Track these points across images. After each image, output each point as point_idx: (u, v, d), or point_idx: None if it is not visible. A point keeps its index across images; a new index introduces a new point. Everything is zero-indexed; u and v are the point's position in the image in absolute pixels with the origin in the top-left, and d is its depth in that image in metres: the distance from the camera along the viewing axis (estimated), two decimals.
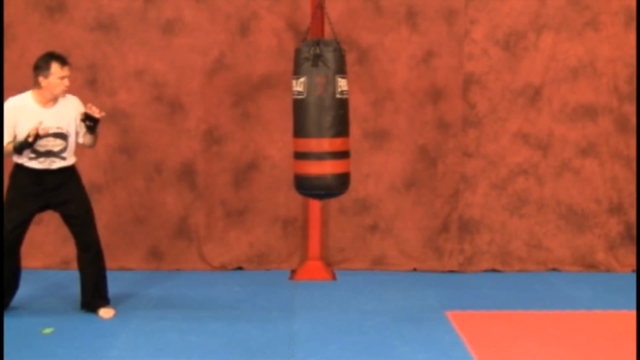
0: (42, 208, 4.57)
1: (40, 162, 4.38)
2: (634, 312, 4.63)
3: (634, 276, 5.68)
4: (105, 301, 4.68)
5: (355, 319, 4.65)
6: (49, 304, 4.90)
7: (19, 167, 4.42)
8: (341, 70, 4.50)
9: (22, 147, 4.29)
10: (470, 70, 5.79)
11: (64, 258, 5.75)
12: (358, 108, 5.77)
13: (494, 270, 5.90)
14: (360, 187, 5.85)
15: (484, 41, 5.78)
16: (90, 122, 4.45)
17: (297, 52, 4.49)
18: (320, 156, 4.47)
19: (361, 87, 5.76)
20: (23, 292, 5.11)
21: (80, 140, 4.58)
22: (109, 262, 5.79)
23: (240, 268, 5.88)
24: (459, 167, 5.87)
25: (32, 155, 4.37)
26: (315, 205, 5.59)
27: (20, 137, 4.32)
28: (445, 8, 5.74)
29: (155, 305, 4.88)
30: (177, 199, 5.85)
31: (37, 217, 5.78)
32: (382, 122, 5.84)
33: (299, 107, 4.48)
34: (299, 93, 4.44)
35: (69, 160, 4.50)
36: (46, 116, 4.34)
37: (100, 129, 5.74)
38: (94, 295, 4.65)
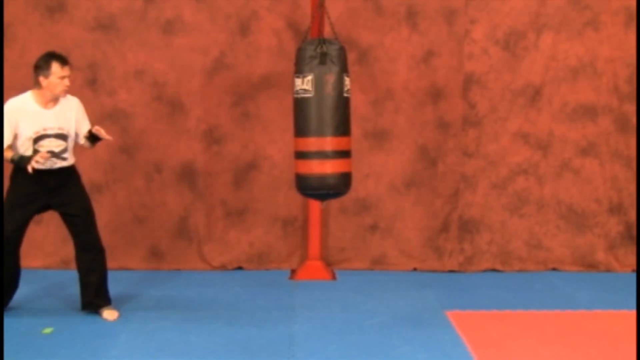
0: (43, 208, 4.57)
1: (42, 163, 4.38)
2: (634, 312, 4.63)
3: (634, 276, 5.69)
4: (107, 302, 4.67)
5: (355, 319, 4.65)
6: (49, 304, 4.90)
7: (19, 168, 4.42)
8: (346, 69, 4.52)
9: (19, 163, 4.29)
10: (470, 70, 5.79)
11: (64, 258, 5.75)
12: (358, 108, 5.76)
13: (494, 270, 5.90)
14: (360, 187, 5.85)
15: (484, 41, 5.78)
16: (95, 140, 4.52)
17: (301, 50, 4.47)
18: (333, 155, 4.47)
19: (361, 86, 5.76)
20: (23, 292, 5.11)
21: (81, 142, 4.58)
22: (109, 262, 5.81)
23: (240, 268, 5.88)
24: (459, 167, 5.87)
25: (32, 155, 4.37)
26: (315, 205, 5.59)
27: (22, 137, 4.32)
28: (445, 8, 5.74)
29: (155, 305, 4.87)
30: (177, 199, 5.85)
31: (37, 217, 5.78)
32: (382, 122, 5.84)
33: (305, 105, 4.46)
34: (305, 91, 4.42)
35: (70, 160, 4.50)
36: (47, 117, 4.35)
37: (102, 128, 5.78)
38: (96, 295, 4.64)
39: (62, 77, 4.32)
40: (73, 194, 4.55)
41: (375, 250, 5.92)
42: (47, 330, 4.36)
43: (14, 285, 4.62)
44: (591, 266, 5.93)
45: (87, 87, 5.69)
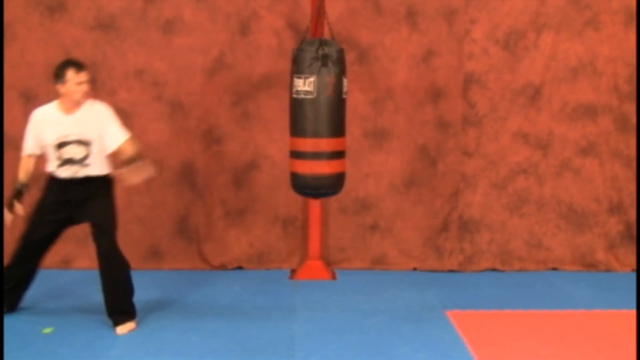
0: (68, 220, 4.50)
1: (66, 170, 4.39)
2: (634, 312, 4.64)
3: (633, 275, 5.69)
4: (120, 317, 4.42)
5: (355, 318, 4.65)
6: (49, 304, 4.89)
7: (50, 176, 4.46)
8: (345, 71, 4.52)
9: (12, 194, 4.45)
10: (470, 70, 5.79)
11: (64, 258, 5.76)
12: (358, 108, 5.77)
13: (493, 270, 5.89)
14: (360, 187, 5.85)
15: (484, 40, 5.78)
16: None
17: (302, 51, 4.47)
18: (330, 156, 4.50)
19: (361, 86, 5.76)
20: None
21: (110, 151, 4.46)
22: None
23: (240, 268, 5.88)
24: (459, 166, 5.87)
25: (57, 163, 4.39)
26: (315, 204, 5.59)
27: (46, 145, 4.38)
28: (445, 7, 5.74)
29: (155, 305, 4.87)
30: (177, 199, 5.85)
31: None
32: (382, 122, 5.84)
33: (305, 106, 4.46)
34: (307, 93, 4.42)
35: (95, 169, 4.41)
36: (67, 124, 4.35)
37: None
38: (112, 308, 4.44)
39: (79, 83, 4.32)
40: (97, 206, 4.44)
41: (375, 250, 5.92)
42: (47, 330, 4.36)
43: (23, 286, 4.62)
44: (591, 266, 5.93)
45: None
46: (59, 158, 4.37)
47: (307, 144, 4.52)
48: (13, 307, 4.61)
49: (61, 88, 4.34)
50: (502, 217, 5.92)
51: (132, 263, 5.76)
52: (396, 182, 5.89)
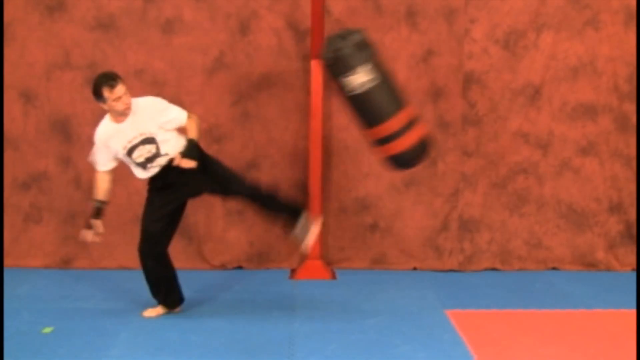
0: (183, 200, 4.60)
1: (151, 168, 4.45)
2: (634, 311, 4.64)
3: (633, 275, 5.69)
4: (294, 210, 4.64)
5: (355, 318, 4.65)
6: (49, 304, 4.90)
7: (146, 183, 4.57)
8: (374, 47, 4.55)
9: (92, 210, 4.57)
10: (470, 69, 5.79)
11: (64, 257, 5.76)
12: None
13: (493, 269, 5.90)
14: (360, 186, 5.85)
15: (484, 40, 5.78)
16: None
17: (339, 51, 4.37)
18: (413, 123, 4.52)
19: None
20: (23, 291, 5.13)
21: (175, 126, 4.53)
22: (109, 262, 5.83)
23: (240, 267, 5.88)
24: (459, 166, 5.87)
25: (140, 167, 4.46)
26: (315, 204, 5.59)
27: (119, 156, 4.47)
28: (445, 7, 5.74)
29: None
30: None
31: (37, 217, 5.82)
32: None
33: (376, 93, 4.41)
34: (370, 81, 4.36)
35: (174, 149, 4.44)
36: (125, 130, 4.39)
37: None
38: (286, 208, 4.66)
39: (117, 99, 4.31)
40: (202, 173, 4.50)
41: (375, 250, 5.92)
42: (47, 330, 4.35)
43: (176, 280, 4.69)
44: (591, 265, 5.93)
45: (87, 87, 5.67)
46: (136, 162, 4.44)
47: (395, 123, 4.47)
48: (182, 299, 4.73)
49: (104, 106, 4.37)
50: (502, 216, 5.92)
51: (132, 263, 5.77)
52: (396, 181, 5.88)
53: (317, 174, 5.61)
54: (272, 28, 5.73)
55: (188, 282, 5.44)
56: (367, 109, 4.51)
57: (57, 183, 5.79)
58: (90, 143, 5.80)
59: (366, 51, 4.41)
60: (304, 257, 5.65)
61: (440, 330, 4.42)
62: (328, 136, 5.78)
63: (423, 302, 5.01)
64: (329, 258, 5.87)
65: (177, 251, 5.86)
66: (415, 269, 5.89)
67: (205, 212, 5.84)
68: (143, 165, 4.45)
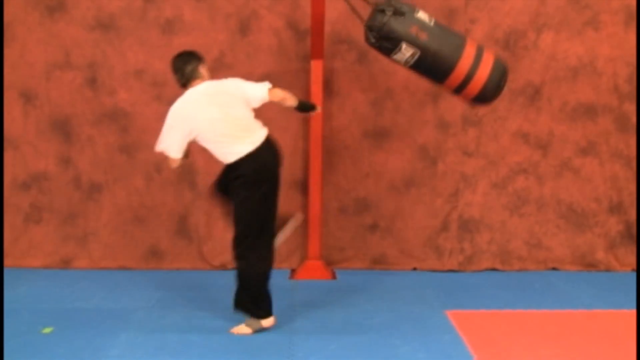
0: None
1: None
2: (634, 312, 4.64)
3: (633, 275, 5.69)
4: (244, 317, 4.42)
5: (355, 318, 4.65)
6: (49, 304, 4.90)
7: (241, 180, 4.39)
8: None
9: None
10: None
11: (64, 257, 5.76)
12: (358, 107, 5.77)
13: (493, 270, 5.90)
14: (360, 187, 5.85)
15: (484, 40, 5.75)
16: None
17: (387, 25, 4.40)
18: (480, 56, 4.48)
19: (361, 86, 5.76)
20: (23, 291, 5.13)
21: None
22: (109, 261, 5.83)
23: None
24: (458, 166, 5.87)
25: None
26: (315, 204, 5.59)
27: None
28: (445, 7, 5.74)
29: (155, 305, 4.87)
30: (177, 199, 5.84)
31: (37, 217, 5.82)
32: (382, 121, 5.84)
33: (436, 50, 4.39)
34: (427, 41, 4.37)
35: (255, 135, 4.52)
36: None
37: (102, 128, 5.78)
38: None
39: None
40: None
41: (375, 250, 5.92)
42: (47, 330, 4.36)
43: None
44: (591, 265, 5.93)
45: (87, 87, 5.70)
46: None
47: (462, 67, 4.44)
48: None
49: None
50: (502, 216, 5.92)
51: (132, 262, 5.82)
52: (396, 181, 5.89)
53: (317, 174, 5.61)
54: (272, 28, 5.73)
55: (188, 283, 5.46)
56: (430, 70, 4.50)
57: (57, 183, 5.79)
58: (90, 143, 5.85)
59: (405, 12, 4.40)
60: (303, 257, 5.65)
61: (440, 330, 4.42)
62: (328, 136, 5.78)
63: (423, 303, 5.01)
64: (329, 258, 5.87)
65: (177, 251, 5.89)
66: (415, 269, 5.89)
67: (205, 212, 5.84)
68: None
